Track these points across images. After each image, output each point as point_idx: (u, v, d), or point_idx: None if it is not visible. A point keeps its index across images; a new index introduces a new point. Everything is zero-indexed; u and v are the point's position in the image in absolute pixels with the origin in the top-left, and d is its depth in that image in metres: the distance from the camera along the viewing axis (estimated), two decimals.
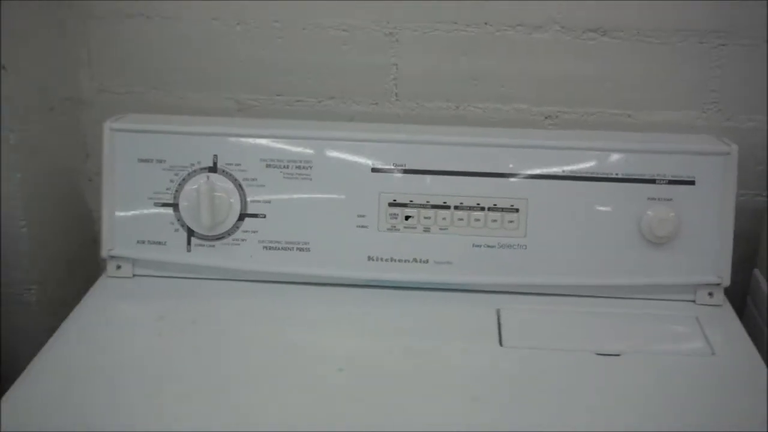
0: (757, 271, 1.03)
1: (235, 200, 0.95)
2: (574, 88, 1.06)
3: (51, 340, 0.85)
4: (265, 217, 0.95)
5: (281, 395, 0.78)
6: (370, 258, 0.95)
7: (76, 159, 1.13)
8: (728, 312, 0.94)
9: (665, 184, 0.93)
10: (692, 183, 0.93)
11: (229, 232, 0.96)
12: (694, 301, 0.95)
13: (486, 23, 1.04)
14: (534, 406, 0.77)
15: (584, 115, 1.07)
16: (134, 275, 0.97)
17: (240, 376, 0.81)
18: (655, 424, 0.75)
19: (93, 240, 1.02)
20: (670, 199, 0.93)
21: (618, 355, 0.84)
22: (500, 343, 0.86)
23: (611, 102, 1.07)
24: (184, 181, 0.95)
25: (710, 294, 0.94)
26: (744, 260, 1.04)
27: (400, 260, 0.95)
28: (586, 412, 0.76)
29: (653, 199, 0.93)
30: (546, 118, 1.08)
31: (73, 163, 1.12)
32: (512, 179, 0.94)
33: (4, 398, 0.75)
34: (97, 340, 0.86)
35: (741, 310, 1.02)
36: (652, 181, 0.93)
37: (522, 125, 1.07)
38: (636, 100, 1.06)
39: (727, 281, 0.94)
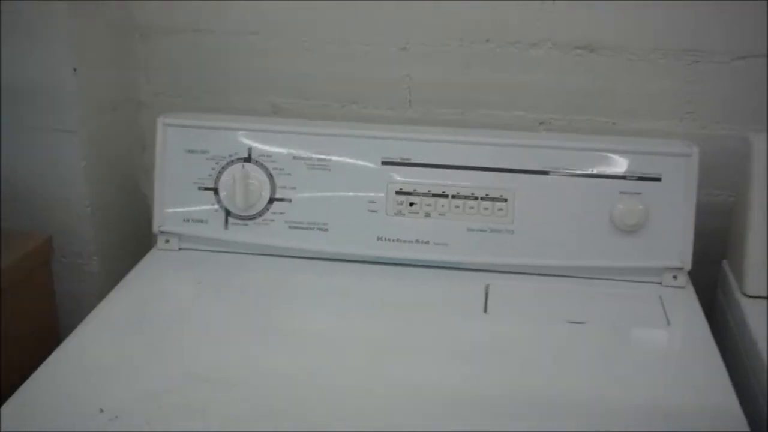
0: (725, 263, 1.16)
1: (266, 186, 1.12)
2: (564, 97, 1.21)
3: (107, 297, 1.02)
4: (290, 201, 1.11)
5: (294, 345, 0.93)
6: (379, 238, 1.10)
7: (135, 151, 1.30)
8: (689, 293, 1.07)
9: (635, 180, 1.07)
10: (659, 180, 1.07)
11: (260, 213, 1.12)
12: (660, 283, 1.08)
13: (487, 41, 1.20)
14: (507, 362, 0.91)
15: (573, 121, 1.22)
16: (180, 249, 1.14)
17: (261, 327, 0.97)
18: (608, 377, 0.89)
19: (146, 219, 1.19)
20: (639, 193, 1.07)
21: (583, 323, 0.99)
22: (485, 311, 1.01)
23: (598, 111, 1.21)
24: (224, 169, 1.12)
25: (674, 277, 1.08)
26: (718, 254, 1.18)
27: (404, 241, 1.10)
28: (552, 366, 0.91)
29: (624, 192, 1.07)
30: (540, 123, 1.22)
31: (131, 154, 1.30)
32: (502, 173, 1.09)
33: (64, 342, 0.92)
34: (146, 298, 1.04)
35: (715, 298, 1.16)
36: (623, 177, 1.07)
37: (519, 129, 1.22)
38: (620, 110, 1.21)
39: (688, 265, 1.07)
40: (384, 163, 1.10)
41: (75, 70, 1.14)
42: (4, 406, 0.80)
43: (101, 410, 0.79)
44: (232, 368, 0.88)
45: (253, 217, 1.12)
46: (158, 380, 0.85)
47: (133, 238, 1.27)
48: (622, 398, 0.85)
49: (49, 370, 0.87)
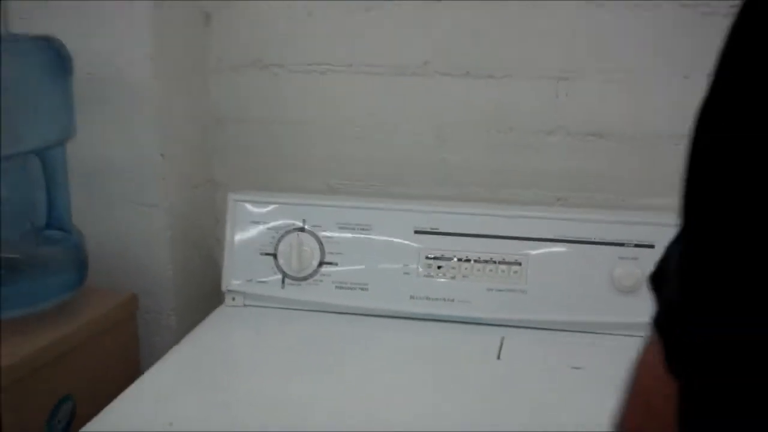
0: None
1: (317, 252, 1.31)
2: (579, 177, 1.39)
3: (179, 343, 1.23)
4: (337, 265, 1.31)
5: (330, 383, 1.12)
6: (411, 297, 1.29)
7: (209, 222, 1.52)
8: None
9: (632, 247, 1.24)
10: (653, 247, 1.23)
11: (311, 275, 1.32)
12: None
13: (511, 129, 1.39)
14: (514, 399, 1.08)
15: (587, 198, 1.39)
16: (244, 305, 1.35)
17: (305, 368, 1.16)
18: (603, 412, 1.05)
19: (217, 280, 1.39)
20: (636, 259, 1.24)
21: (583, 368, 1.15)
22: (498, 358, 1.18)
23: (608, 189, 1.38)
24: (282, 237, 1.32)
25: None
26: None
27: (433, 299, 1.28)
28: (554, 403, 1.07)
29: (623, 258, 1.24)
30: (558, 199, 1.40)
31: (206, 225, 1.52)
32: (517, 241, 1.27)
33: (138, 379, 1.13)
34: (212, 344, 1.24)
35: None
36: (621, 245, 1.24)
37: (538, 205, 1.40)
38: (628, 188, 1.38)
39: None
40: (416, 232, 1.29)
41: (162, 155, 1.37)
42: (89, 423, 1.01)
43: (170, 423, 0.99)
44: (276, 399, 1.07)
45: (305, 278, 1.32)
46: (213, 405, 1.05)
47: (206, 297, 1.48)
48: None
49: (126, 398, 1.08)
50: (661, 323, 0.54)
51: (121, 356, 1.32)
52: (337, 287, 1.31)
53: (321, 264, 1.31)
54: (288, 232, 1.33)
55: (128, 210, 1.39)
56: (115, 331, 1.30)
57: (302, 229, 1.32)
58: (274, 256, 1.33)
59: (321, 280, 1.31)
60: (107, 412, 1.03)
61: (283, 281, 1.32)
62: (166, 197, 1.39)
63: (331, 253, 1.31)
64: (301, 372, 1.15)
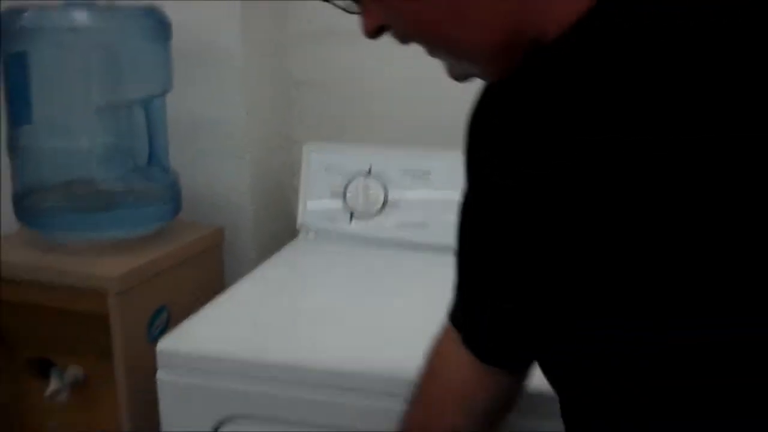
0: None
1: (381, 194, 1.48)
2: None
3: (256, 269, 1.42)
4: (399, 205, 1.48)
5: (407, 305, 1.30)
6: None
7: (286, 173, 1.71)
8: None
9: None
10: None
11: (376, 214, 1.49)
12: None
13: None
14: None
15: None
16: (316, 239, 1.52)
17: (363, 287, 1.34)
18: None
19: (292, 223, 1.58)
20: None
21: None
22: None
23: None
24: (350, 181, 1.50)
25: None
26: None
27: None
28: None
29: None
30: None
31: (284, 175, 1.71)
32: None
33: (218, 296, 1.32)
34: (288, 270, 1.42)
35: None
36: None
37: None
38: None
39: None
40: None
41: (247, 113, 1.56)
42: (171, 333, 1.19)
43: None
44: (337, 310, 1.26)
45: (371, 216, 1.49)
46: (281, 316, 1.24)
47: (282, 236, 1.67)
48: None
49: (211, 308, 1.26)
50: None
51: (208, 279, 1.51)
52: (397, 225, 1.47)
53: (384, 204, 1.48)
54: (355, 177, 1.49)
55: (217, 158, 1.58)
56: (204, 257, 1.49)
57: (368, 174, 1.49)
58: (344, 196, 1.50)
59: (384, 218, 1.48)
60: (195, 318, 1.21)
61: (351, 218, 1.49)
62: (249, 148, 1.58)
63: (394, 195, 1.48)
64: (362, 294, 1.32)
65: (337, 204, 1.50)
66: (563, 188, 0.61)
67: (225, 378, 1.10)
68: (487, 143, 0.68)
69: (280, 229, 1.68)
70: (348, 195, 1.49)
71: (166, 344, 1.14)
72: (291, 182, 1.70)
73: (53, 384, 1.40)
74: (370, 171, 1.49)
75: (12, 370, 1.47)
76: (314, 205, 1.52)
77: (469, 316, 0.80)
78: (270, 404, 1.09)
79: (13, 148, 1.39)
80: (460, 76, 0.73)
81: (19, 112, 1.37)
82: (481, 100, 0.70)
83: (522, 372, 0.82)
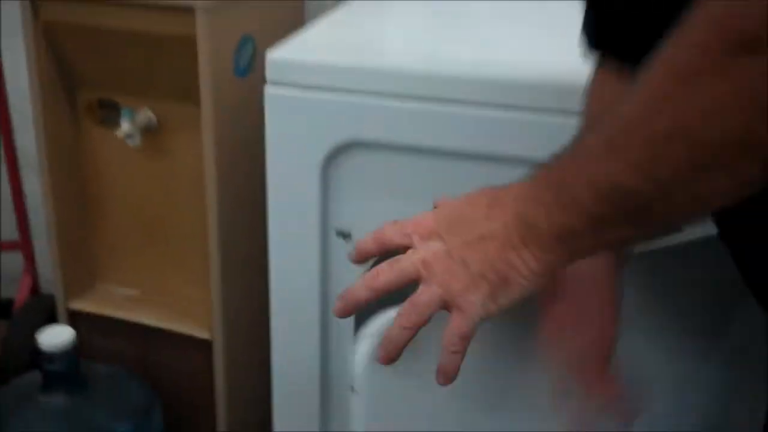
0: None
1: None
2: None
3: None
4: None
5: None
6: None
7: None
8: None
9: None
10: None
11: None
12: None
13: None
14: None
15: None
16: None
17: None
18: None
19: None
20: None
21: None
22: None
23: None
24: None
25: None
26: None
27: None
28: None
29: None
30: None
31: None
32: None
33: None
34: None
35: None
36: None
37: None
38: None
39: None
40: None
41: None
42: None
43: None
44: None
45: None
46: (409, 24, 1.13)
47: None
48: None
49: (320, 26, 1.13)
50: None
51: (291, 8, 1.41)
52: None
53: None
54: None
55: None
56: None
57: None
58: None
59: None
60: (307, 30, 1.09)
61: None
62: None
63: None
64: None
65: None
66: None
67: (345, 94, 0.98)
68: None
69: None
70: None
71: (278, 54, 1.02)
72: None
73: (124, 126, 1.29)
74: None
75: (74, 114, 1.35)
76: None
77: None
78: (397, 126, 0.98)
79: None
80: None
81: None
82: None
83: None
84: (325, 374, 1.09)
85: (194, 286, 1.37)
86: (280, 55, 1.01)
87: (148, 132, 1.30)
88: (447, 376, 0.63)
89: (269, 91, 1.01)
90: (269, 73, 1.01)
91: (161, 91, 1.27)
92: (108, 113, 1.33)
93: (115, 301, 1.43)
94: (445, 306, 0.63)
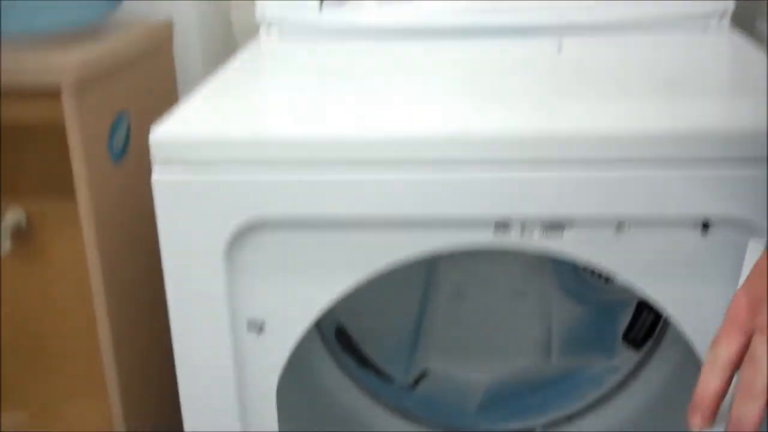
0: None
1: None
2: None
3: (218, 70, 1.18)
4: None
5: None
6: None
7: None
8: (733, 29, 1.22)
9: None
10: None
11: None
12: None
13: None
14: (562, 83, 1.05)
15: None
16: (280, 38, 1.28)
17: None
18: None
19: None
20: None
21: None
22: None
23: None
24: None
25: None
26: None
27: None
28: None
29: None
30: None
31: None
32: None
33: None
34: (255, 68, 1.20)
35: None
36: None
37: None
38: None
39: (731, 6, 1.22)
40: None
41: None
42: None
43: None
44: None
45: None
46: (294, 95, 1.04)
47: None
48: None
49: (195, 102, 1.01)
50: None
51: (163, 79, 1.29)
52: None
53: None
54: None
55: None
56: (155, 55, 1.27)
57: None
58: None
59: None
60: (184, 105, 0.98)
61: (321, 4, 1.26)
62: None
63: None
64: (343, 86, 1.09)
65: None
66: None
67: (245, 169, 0.87)
68: None
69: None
70: None
71: (162, 133, 0.90)
72: None
73: None
74: None
75: None
76: None
77: None
78: (304, 198, 0.87)
79: None
80: None
81: None
82: None
83: None
84: None
85: (89, 403, 1.22)
86: (164, 134, 0.89)
87: (19, 234, 1.16)
88: None
89: (157, 176, 0.89)
90: (155, 156, 0.88)
91: (30, 186, 1.13)
92: None
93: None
94: None
